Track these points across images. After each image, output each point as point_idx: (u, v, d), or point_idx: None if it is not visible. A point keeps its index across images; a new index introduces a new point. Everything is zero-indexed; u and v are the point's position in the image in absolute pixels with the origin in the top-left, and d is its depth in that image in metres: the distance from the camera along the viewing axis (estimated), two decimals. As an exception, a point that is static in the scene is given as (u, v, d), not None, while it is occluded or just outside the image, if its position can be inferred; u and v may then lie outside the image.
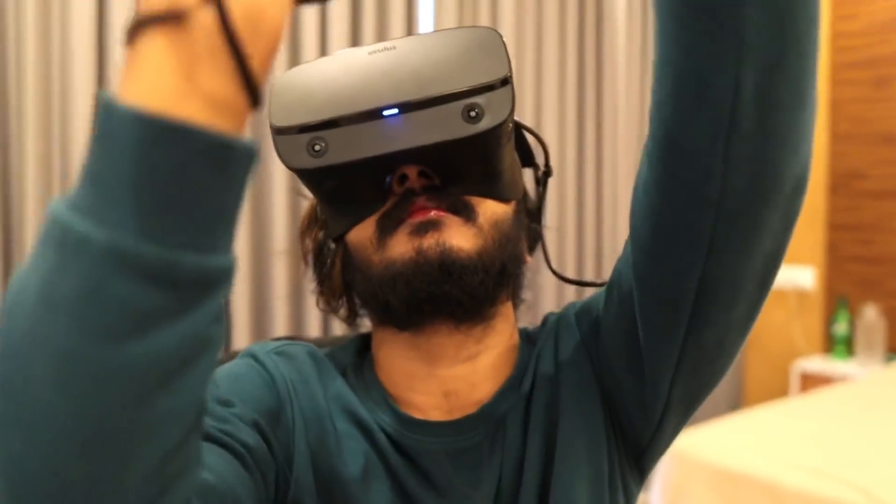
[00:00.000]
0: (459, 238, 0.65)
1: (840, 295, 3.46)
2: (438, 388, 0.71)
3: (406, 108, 0.63)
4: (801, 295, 3.59)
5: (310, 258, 0.78)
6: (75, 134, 1.80)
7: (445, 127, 0.62)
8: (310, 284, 0.80)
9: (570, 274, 2.96)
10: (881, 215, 3.35)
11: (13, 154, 1.77)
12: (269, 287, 2.13)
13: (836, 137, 3.46)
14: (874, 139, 3.36)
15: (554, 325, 0.78)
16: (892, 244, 3.32)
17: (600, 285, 0.78)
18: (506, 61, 0.65)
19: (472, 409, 0.72)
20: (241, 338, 2.07)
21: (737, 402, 3.76)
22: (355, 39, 2.30)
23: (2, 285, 1.76)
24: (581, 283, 0.84)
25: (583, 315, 0.77)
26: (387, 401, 0.72)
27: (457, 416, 0.72)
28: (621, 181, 3.10)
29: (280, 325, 2.13)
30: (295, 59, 2.17)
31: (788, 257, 3.61)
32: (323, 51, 2.23)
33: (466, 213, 0.67)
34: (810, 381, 3.31)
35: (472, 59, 0.65)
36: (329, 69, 0.65)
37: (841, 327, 3.35)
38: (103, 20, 1.86)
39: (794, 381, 3.36)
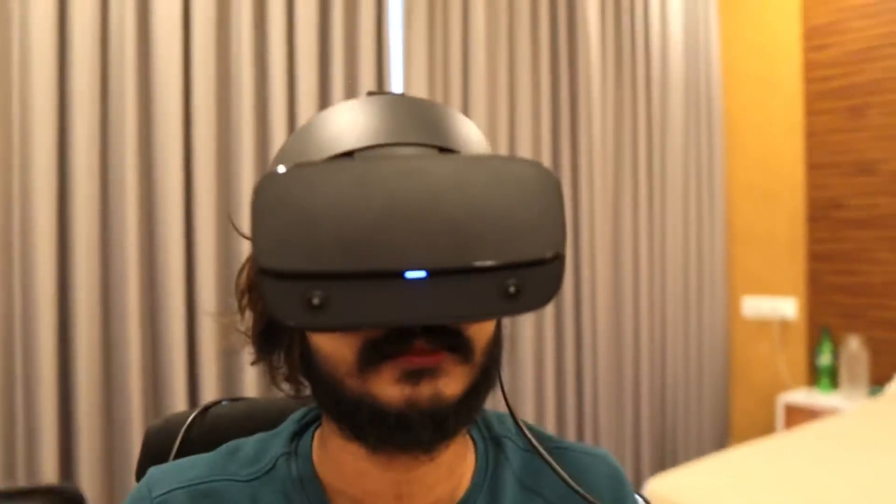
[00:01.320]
0: (453, 383, 0.58)
1: (823, 326, 3.44)
2: (391, 490, 0.65)
3: (435, 273, 0.52)
4: (784, 326, 3.57)
5: (251, 332, 0.68)
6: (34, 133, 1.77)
7: (477, 302, 0.52)
8: (240, 342, 0.72)
9: (549, 328, 2.93)
10: (861, 245, 3.34)
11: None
12: (200, 348, 2.08)
13: (814, 168, 3.47)
14: (851, 169, 3.36)
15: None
16: (872, 274, 3.31)
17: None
18: (562, 229, 0.54)
19: None
20: (179, 396, 2.02)
21: (724, 436, 3.72)
22: (323, 29, 2.28)
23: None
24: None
25: None
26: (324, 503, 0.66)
27: None
28: (598, 205, 3.08)
29: (249, 369, 2.09)
30: (261, 58, 2.15)
31: (771, 288, 3.60)
32: (290, 41, 2.19)
33: (464, 352, 0.59)
34: (796, 414, 3.27)
35: (524, 216, 0.53)
36: (340, 188, 0.52)
37: (825, 358, 3.33)
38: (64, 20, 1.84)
39: (780, 414, 3.33)
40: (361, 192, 0.52)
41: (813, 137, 3.47)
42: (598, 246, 3.08)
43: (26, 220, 1.77)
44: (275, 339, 0.66)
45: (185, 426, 0.81)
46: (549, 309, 2.91)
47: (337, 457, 0.66)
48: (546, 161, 2.88)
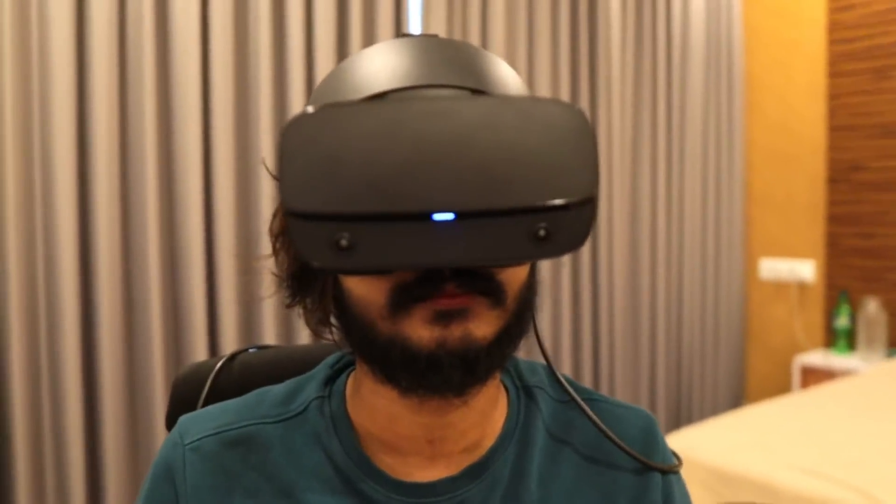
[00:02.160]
0: (484, 326, 0.58)
1: (841, 288, 3.43)
2: (423, 434, 0.65)
3: (464, 216, 0.51)
4: (802, 288, 3.56)
5: (285, 273, 0.68)
6: (54, 132, 1.79)
7: (507, 245, 0.51)
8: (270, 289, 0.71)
9: (566, 287, 2.94)
10: (881, 208, 3.32)
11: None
12: (257, 284, 2.12)
13: (835, 130, 3.43)
14: (873, 131, 3.33)
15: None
16: (891, 237, 3.29)
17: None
18: (595, 171, 0.53)
19: (455, 459, 0.67)
20: (230, 337, 2.06)
21: (739, 397, 3.74)
22: (341, 28, 2.28)
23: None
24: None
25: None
26: (356, 448, 0.67)
27: (439, 465, 0.67)
28: (616, 166, 3.07)
29: (269, 322, 2.13)
30: (280, 46, 2.16)
31: (789, 251, 3.59)
32: (308, 44, 2.20)
33: (496, 296, 0.59)
34: (812, 376, 3.28)
35: (556, 157, 0.52)
36: (369, 128, 0.51)
37: (842, 321, 3.33)
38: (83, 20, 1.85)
39: (796, 376, 3.34)
40: (390, 134, 0.50)
41: (835, 99, 3.43)
42: (615, 207, 3.08)
43: (50, 186, 1.80)
44: (308, 281, 0.67)
45: (213, 374, 0.83)
46: (567, 269, 2.93)
47: (370, 401, 0.66)
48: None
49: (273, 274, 0.69)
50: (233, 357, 0.86)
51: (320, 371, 0.73)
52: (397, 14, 2.41)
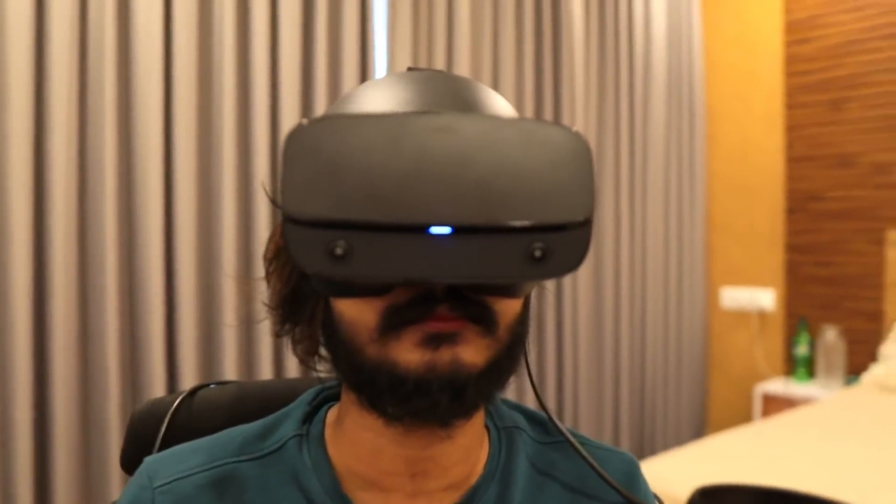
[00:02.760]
0: (473, 353, 0.57)
1: (800, 316, 3.47)
2: (406, 469, 0.64)
3: (460, 231, 0.50)
4: (762, 316, 3.60)
5: (276, 298, 0.67)
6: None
7: (502, 264, 0.50)
8: (261, 314, 0.70)
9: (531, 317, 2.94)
10: (838, 237, 3.38)
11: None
12: (218, 314, 2.07)
13: (793, 160, 3.50)
14: (830, 162, 3.40)
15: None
16: (849, 266, 3.35)
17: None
18: (592, 194, 0.52)
19: (437, 497, 0.65)
20: (189, 370, 2.00)
21: (701, 426, 3.75)
22: (306, 30, 2.26)
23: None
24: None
25: None
26: (336, 488, 0.64)
27: (420, 502, 0.65)
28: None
29: (230, 356, 2.07)
30: (243, 52, 2.13)
31: (750, 279, 3.63)
32: (273, 34, 2.18)
33: (487, 324, 0.58)
34: (772, 403, 3.31)
35: (554, 179, 0.52)
36: (370, 140, 0.51)
37: (801, 349, 3.37)
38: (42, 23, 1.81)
39: (757, 404, 3.37)
40: (391, 145, 0.51)
41: (793, 131, 3.50)
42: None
43: (3, 213, 1.74)
44: (299, 306, 0.65)
45: (172, 410, 0.80)
46: (531, 298, 2.92)
47: (353, 434, 0.65)
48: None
49: (262, 302, 0.68)
50: (192, 393, 0.82)
51: (297, 408, 0.70)
52: (363, 46, 2.40)
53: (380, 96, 0.59)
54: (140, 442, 0.80)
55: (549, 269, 0.51)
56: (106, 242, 1.86)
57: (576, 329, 3.11)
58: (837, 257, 3.38)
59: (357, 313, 0.58)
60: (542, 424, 0.75)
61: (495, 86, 2.81)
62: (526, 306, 0.65)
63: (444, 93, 0.59)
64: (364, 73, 2.38)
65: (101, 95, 1.85)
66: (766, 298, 3.58)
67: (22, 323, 1.74)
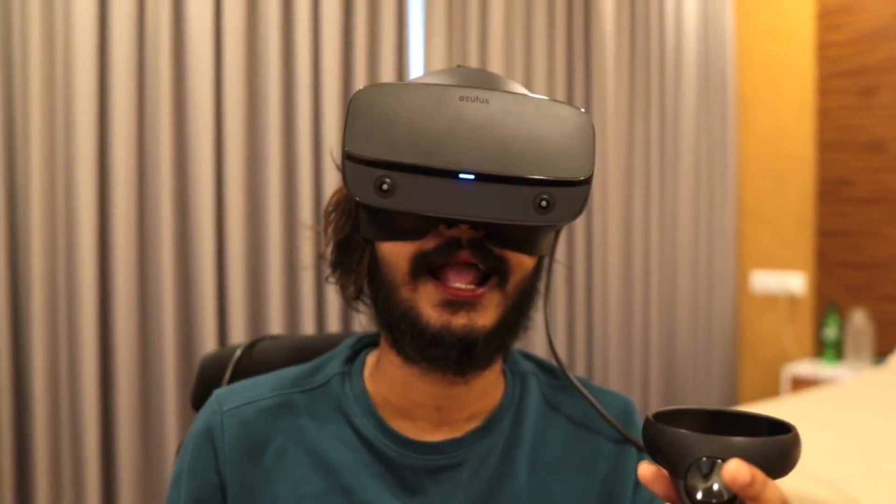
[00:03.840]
0: (487, 315, 0.68)
1: (830, 300, 3.52)
2: (432, 402, 0.75)
3: (483, 178, 0.63)
4: (792, 300, 3.65)
5: (331, 246, 0.79)
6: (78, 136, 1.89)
7: (514, 209, 0.63)
8: (304, 270, 0.83)
9: (561, 299, 3.02)
10: (868, 221, 3.42)
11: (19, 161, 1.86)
12: (265, 271, 2.22)
13: (824, 145, 3.54)
14: (860, 146, 3.43)
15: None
16: (878, 249, 3.39)
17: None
18: (591, 159, 0.65)
19: (459, 425, 0.77)
20: (238, 325, 2.16)
21: (730, 406, 3.82)
22: (346, 29, 2.38)
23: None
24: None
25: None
26: (373, 413, 0.76)
27: (444, 429, 0.76)
28: (611, 183, 3.16)
29: (276, 312, 2.22)
30: (287, 45, 2.26)
31: (780, 263, 3.69)
32: (315, 37, 2.31)
33: (501, 277, 0.69)
34: (800, 385, 3.37)
35: (561, 144, 0.64)
36: (418, 102, 0.64)
37: (830, 332, 3.41)
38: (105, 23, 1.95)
39: (785, 385, 3.43)
40: (433, 107, 0.64)
41: (824, 116, 3.54)
42: (610, 222, 3.17)
43: (71, 186, 1.90)
44: (350, 254, 0.77)
45: (236, 357, 0.93)
46: (560, 281, 3.01)
47: (388, 371, 0.76)
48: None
49: (320, 254, 0.81)
50: (252, 344, 0.96)
51: (341, 351, 0.83)
52: (399, 46, 2.51)
53: (435, 78, 0.72)
54: (208, 383, 0.94)
55: (551, 216, 0.64)
56: (162, 221, 2.00)
57: (606, 313, 3.20)
58: (867, 241, 3.42)
59: (394, 257, 0.70)
60: (552, 371, 0.86)
61: (528, 75, 2.90)
62: (538, 268, 0.76)
63: (483, 81, 0.71)
64: (401, 72, 2.49)
65: (158, 92, 2.00)
66: (795, 282, 3.63)
67: (88, 291, 1.89)
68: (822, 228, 3.56)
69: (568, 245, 3.06)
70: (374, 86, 0.65)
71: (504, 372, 0.83)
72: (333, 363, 0.81)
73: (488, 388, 0.79)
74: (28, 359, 1.85)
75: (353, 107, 0.65)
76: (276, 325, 2.22)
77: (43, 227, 1.86)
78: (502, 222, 0.64)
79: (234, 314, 2.15)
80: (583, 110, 0.66)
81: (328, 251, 0.80)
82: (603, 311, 3.18)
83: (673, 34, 3.46)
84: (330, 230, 0.79)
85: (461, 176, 0.63)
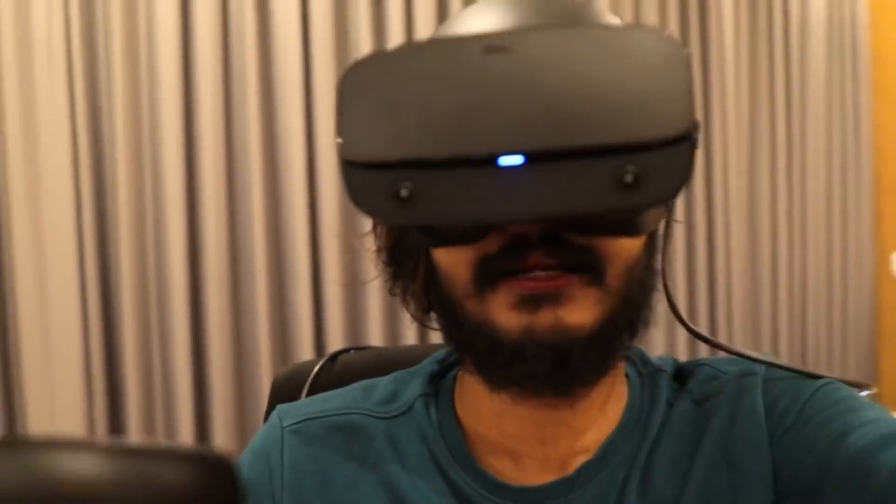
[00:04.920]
0: (581, 311, 0.52)
1: None
2: (534, 433, 0.58)
3: (534, 158, 0.44)
4: (941, 285, 3.30)
5: (383, 252, 0.64)
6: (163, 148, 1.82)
7: (586, 192, 0.44)
8: (369, 273, 0.67)
9: (680, 287, 2.80)
10: None
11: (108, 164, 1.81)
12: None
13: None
14: None
15: (730, 392, 0.62)
16: None
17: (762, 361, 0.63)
18: (689, 100, 0.45)
19: (570, 461, 0.59)
20: (335, 336, 2.04)
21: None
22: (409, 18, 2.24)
23: None
24: (727, 350, 0.64)
25: (781, 410, 0.60)
26: (463, 451, 0.60)
27: (553, 467, 0.59)
28: (732, 160, 2.93)
29: (374, 322, 2.10)
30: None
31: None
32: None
33: (594, 271, 0.52)
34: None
35: (642, 90, 0.44)
36: (428, 69, 0.46)
37: None
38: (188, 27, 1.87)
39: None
40: (450, 73, 0.45)
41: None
42: (732, 205, 2.93)
43: (157, 173, 1.83)
44: (402, 260, 0.62)
45: (313, 374, 0.79)
46: (680, 271, 2.79)
47: (475, 396, 0.60)
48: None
49: (376, 256, 0.65)
50: (333, 358, 0.81)
51: (426, 366, 0.67)
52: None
53: (462, 24, 0.55)
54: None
55: (644, 196, 0.44)
56: (254, 223, 1.95)
57: (730, 304, 2.96)
58: None
59: (452, 265, 0.54)
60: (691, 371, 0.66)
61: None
62: (651, 245, 0.57)
63: (538, 12, 0.53)
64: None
65: (245, 90, 1.95)
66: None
67: (180, 300, 1.84)
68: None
69: (685, 226, 2.83)
70: (366, 59, 0.47)
71: (629, 377, 0.64)
72: (415, 382, 0.65)
73: (607, 404, 0.60)
74: (122, 382, 1.80)
75: (344, 92, 0.47)
76: (375, 335, 2.11)
77: (132, 235, 1.82)
78: (576, 211, 0.44)
79: (331, 324, 2.05)
80: (666, 31, 0.46)
81: (381, 253, 0.64)
82: (727, 303, 2.95)
83: (798, -7, 3.17)
84: (378, 234, 0.63)
85: (503, 163, 0.44)
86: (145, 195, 1.84)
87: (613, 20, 0.56)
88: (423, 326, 0.64)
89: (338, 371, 0.81)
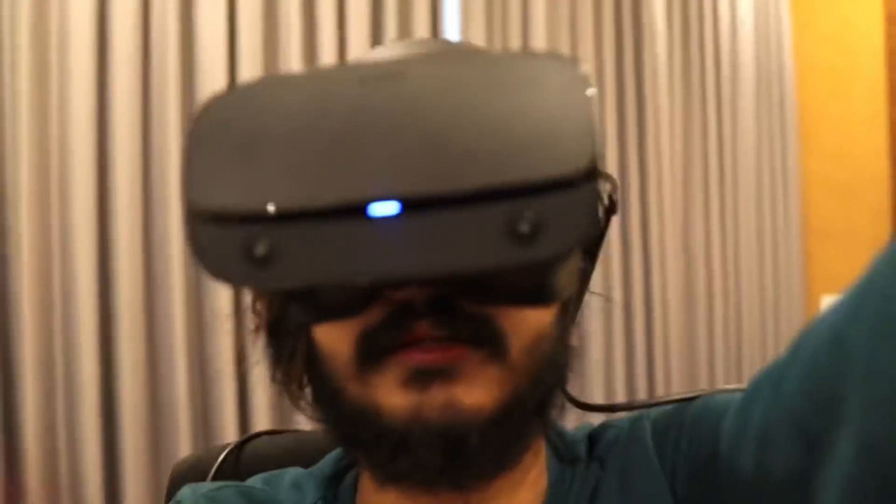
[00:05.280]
0: (478, 391, 0.46)
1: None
2: None
3: (412, 206, 0.37)
4: None
5: (261, 331, 0.58)
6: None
7: (474, 246, 0.36)
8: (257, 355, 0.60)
9: (619, 333, 2.80)
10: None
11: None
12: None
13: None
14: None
15: (623, 443, 0.58)
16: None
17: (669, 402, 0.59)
18: (591, 132, 0.37)
19: None
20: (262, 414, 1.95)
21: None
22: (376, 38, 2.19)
23: None
24: (617, 409, 0.61)
25: (666, 434, 0.56)
26: None
27: None
28: (667, 204, 2.95)
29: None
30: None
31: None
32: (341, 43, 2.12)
33: (493, 344, 0.46)
34: None
35: (535, 125, 0.37)
36: (292, 105, 0.39)
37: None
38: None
39: None
40: (316, 108, 0.39)
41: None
42: (667, 248, 2.95)
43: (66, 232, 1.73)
44: (280, 341, 0.55)
45: (215, 468, 0.72)
46: (618, 318, 2.79)
47: (371, 494, 0.55)
48: (611, 155, 2.75)
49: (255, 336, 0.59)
50: (241, 445, 0.75)
51: (322, 467, 0.61)
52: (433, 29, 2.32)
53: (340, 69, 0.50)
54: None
55: (541, 246, 0.36)
56: (173, 285, 1.82)
57: (667, 345, 2.97)
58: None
59: (333, 342, 0.48)
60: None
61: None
62: (565, 312, 0.52)
63: (422, 49, 0.49)
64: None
65: (165, 96, 1.83)
66: None
67: (90, 369, 1.71)
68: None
69: (619, 273, 2.84)
70: (222, 94, 0.40)
71: (547, 457, 0.58)
72: (310, 486, 0.59)
73: (519, 493, 0.54)
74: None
75: (194, 134, 0.39)
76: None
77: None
78: (454, 273, 0.36)
79: (256, 402, 1.91)
80: (567, 58, 0.39)
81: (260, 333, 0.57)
82: (664, 344, 2.96)
83: (728, 41, 3.24)
84: (258, 308, 0.56)
85: (374, 211, 0.37)
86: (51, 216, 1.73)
87: None
88: (308, 417, 0.57)
89: (248, 460, 0.74)
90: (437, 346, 0.45)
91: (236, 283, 0.38)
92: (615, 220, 2.69)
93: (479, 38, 2.36)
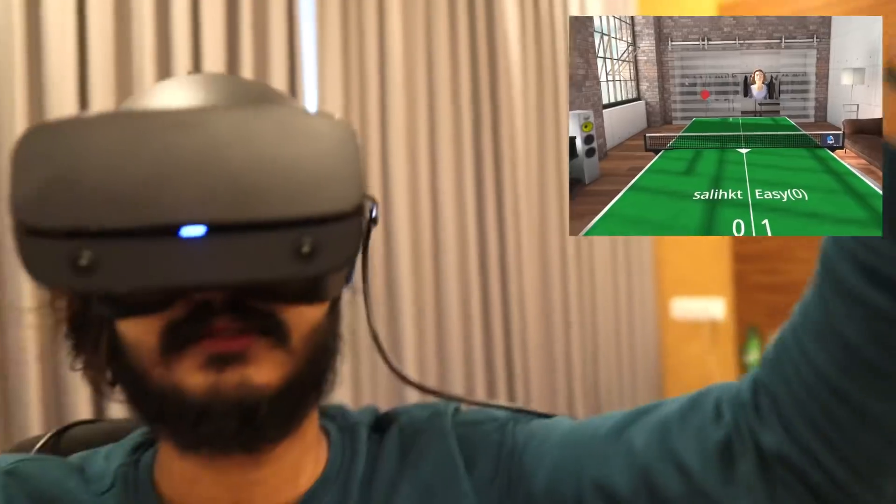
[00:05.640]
0: (266, 371, 0.55)
1: (750, 324, 3.49)
2: (228, 495, 0.60)
3: (216, 229, 0.48)
4: (713, 326, 3.61)
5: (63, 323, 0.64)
6: None
7: (266, 262, 0.48)
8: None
9: (477, 333, 2.89)
10: (783, 245, 3.41)
11: None
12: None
13: (736, 170, 3.53)
14: (771, 170, 3.43)
15: (415, 426, 0.69)
16: (794, 273, 3.37)
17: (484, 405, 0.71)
18: (358, 178, 0.50)
19: None
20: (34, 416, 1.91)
21: (659, 438, 3.74)
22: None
23: None
24: (434, 393, 0.71)
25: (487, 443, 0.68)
26: None
27: None
28: (523, 211, 3.07)
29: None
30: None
31: (699, 289, 3.65)
32: (195, 42, 2.12)
33: (278, 334, 0.56)
34: (726, 413, 3.31)
35: (315, 169, 0.49)
36: (107, 142, 0.48)
37: (753, 356, 3.38)
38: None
39: (711, 414, 3.36)
40: (134, 144, 0.48)
41: (734, 140, 3.53)
42: (524, 254, 3.07)
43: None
44: (84, 332, 0.62)
45: (36, 450, 0.75)
46: (476, 318, 2.88)
47: (169, 463, 0.62)
48: (468, 164, 2.85)
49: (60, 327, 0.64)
50: (58, 435, 0.78)
51: (131, 438, 0.68)
52: (290, 47, 2.36)
53: (148, 99, 0.58)
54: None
55: (317, 264, 0.48)
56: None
57: (525, 347, 3.09)
58: (783, 265, 3.41)
59: (139, 334, 0.56)
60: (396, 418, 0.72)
61: (430, 102, 2.79)
62: (333, 313, 0.63)
63: (218, 93, 0.57)
64: (293, 78, 2.33)
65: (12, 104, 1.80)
66: (716, 307, 3.60)
67: None
68: (738, 253, 3.54)
69: (485, 274, 2.94)
70: (45, 125, 0.48)
71: (328, 432, 0.68)
72: (117, 454, 0.66)
73: (302, 460, 0.64)
74: None
75: (19, 158, 0.47)
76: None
77: None
78: (250, 283, 0.49)
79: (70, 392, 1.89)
80: (343, 119, 0.53)
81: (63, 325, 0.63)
82: (522, 347, 3.07)
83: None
84: (59, 305, 0.63)
85: (184, 232, 0.47)
86: None
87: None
88: (105, 399, 0.65)
89: (66, 448, 0.78)
90: (232, 336, 0.54)
91: (61, 288, 0.48)
92: (474, 220, 2.80)
93: (335, 46, 2.42)
